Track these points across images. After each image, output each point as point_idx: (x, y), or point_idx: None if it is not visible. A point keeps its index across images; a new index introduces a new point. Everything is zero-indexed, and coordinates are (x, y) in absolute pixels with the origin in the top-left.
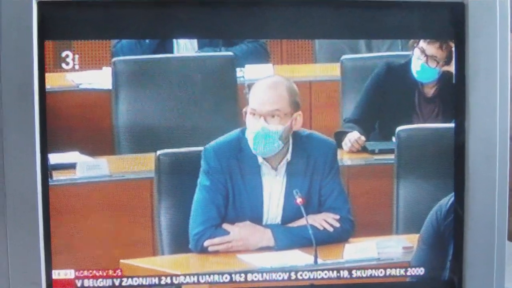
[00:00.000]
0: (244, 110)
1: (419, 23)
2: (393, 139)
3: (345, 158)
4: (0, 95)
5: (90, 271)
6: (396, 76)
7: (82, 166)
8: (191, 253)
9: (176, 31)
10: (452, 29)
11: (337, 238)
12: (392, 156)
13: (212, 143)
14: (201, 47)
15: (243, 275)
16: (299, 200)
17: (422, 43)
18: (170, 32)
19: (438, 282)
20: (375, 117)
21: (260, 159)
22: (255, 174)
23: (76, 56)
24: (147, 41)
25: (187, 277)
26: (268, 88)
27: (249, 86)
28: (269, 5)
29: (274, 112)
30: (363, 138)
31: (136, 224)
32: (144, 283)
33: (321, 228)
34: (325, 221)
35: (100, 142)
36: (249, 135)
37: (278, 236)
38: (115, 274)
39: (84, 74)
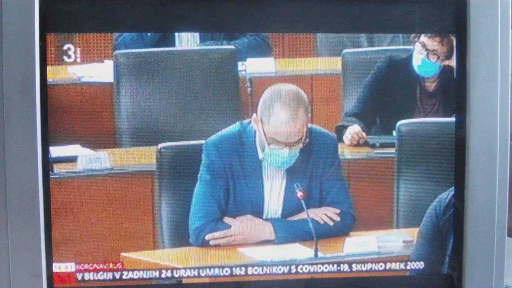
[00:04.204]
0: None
1: (421, 18)
2: (394, 133)
3: (346, 152)
4: (1, 88)
5: (91, 264)
6: (397, 70)
7: (83, 159)
8: (192, 247)
9: (177, 25)
10: (453, 23)
11: (338, 232)
12: (392, 150)
13: (213, 136)
14: (203, 40)
15: (243, 268)
16: (300, 194)
17: (423, 38)
18: (172, 25)
19: (438, 275)
20: (376, 111)
21: (261, 155)
22: (256, 168)
23: (78, 49)
24: (148, 34)
25: (188, 270)
26: (291, 121)
27: (251, 80)
28: None
29: (300, 140)
30: (364, 132)
31: (137, 217)
32: (144, 276)
33: (322, 222)
34: (326, 215)
35: (101, 135)
36: (271, 156)
37: (278, 230)
38: (115, 267)
39: (85, 67)
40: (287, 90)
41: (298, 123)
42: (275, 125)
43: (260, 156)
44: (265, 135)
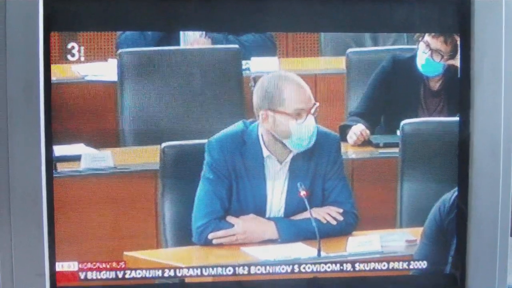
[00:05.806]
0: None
1: (425, 17)
2: (398, 132)
3: (349, 151)
4: (5, 86)
5: (94, 263)
6: (401, 69)
7: (87, 158)
8: (195, 246)
9: (181, 24)
10: (457, 23)
11: (341, 231)
12: (396, 150)
13: (216, 135)
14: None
15: (246, 267)
16: (303, 193)
17: (427, 37)
18: (176, 24)
19: (441, 275)
20: (380, 110)
21: (266, 152)
22: (259, 167)
23: (82, 47)
24: (150, 32)
25: (191, 269)
26: (300, 87)
27: (255, 79)
28: None
29: (315, 106)
30: (367, 131)
31: (140, 217)
32: (147, 275)
33: (325, 222)
34: (329, 214)
35: (105, 134)
36: (300, 132)
37: (282, 229)
38: (118, 267)
39: (89, 66)
40: (275, 74)
41: (306, 88)
42: (291, 95)
43: (266, 153)
44: (288, 114)
